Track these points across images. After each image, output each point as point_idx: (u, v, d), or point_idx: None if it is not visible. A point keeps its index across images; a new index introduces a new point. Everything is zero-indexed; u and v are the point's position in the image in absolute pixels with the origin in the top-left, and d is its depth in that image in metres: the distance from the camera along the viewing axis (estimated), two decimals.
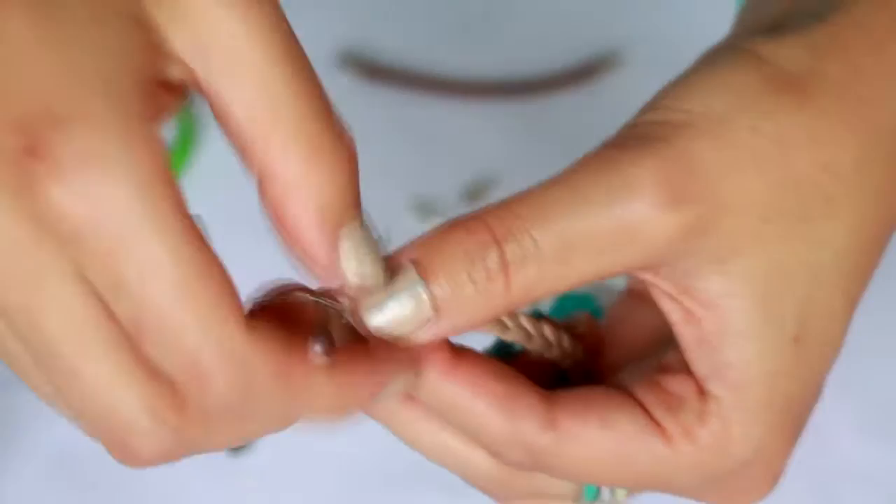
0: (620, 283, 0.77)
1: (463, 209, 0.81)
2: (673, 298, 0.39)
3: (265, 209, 0.37)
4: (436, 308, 0.37)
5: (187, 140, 0.81)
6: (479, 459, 0.42)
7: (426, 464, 0.70)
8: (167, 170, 0.34)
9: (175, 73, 0.35)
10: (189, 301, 0.34)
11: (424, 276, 0.37)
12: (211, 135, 0.82)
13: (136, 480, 0.71)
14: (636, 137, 0.38)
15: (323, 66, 0.88)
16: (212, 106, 0.36)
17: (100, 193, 0.33)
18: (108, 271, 0.33)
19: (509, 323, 0.41)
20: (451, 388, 0.39)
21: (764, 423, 0.39)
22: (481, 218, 0.38)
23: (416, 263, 0.38)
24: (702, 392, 0.39)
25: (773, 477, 0.41)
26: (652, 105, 0.39)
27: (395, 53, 0.87)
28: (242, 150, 0.36)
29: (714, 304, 0.38)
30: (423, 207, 0.81)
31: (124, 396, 0.34)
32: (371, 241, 0.38)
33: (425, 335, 0.38)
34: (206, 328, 0.34)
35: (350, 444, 0.71)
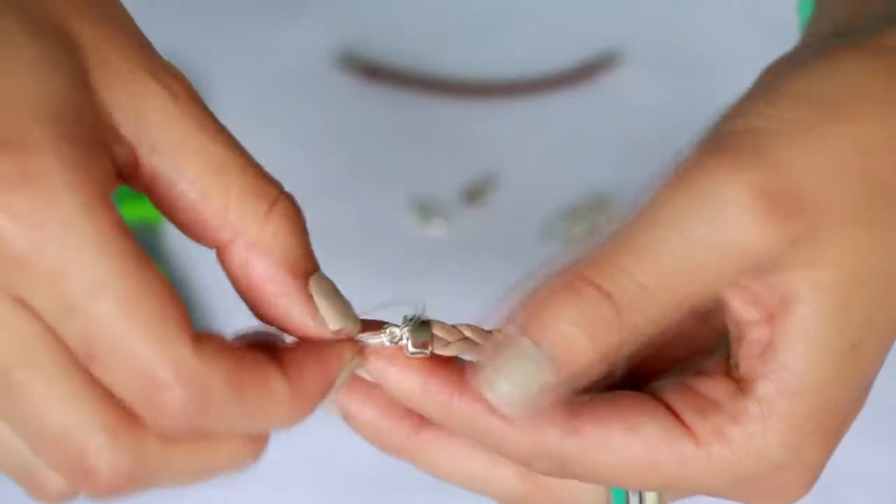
0: None
1: (463, 209, 0.81)
2: (755, 299, 0.39)
3: (231, 277, 0.38)
4: (565, 367, 0.38)
5: None
6: (500, 480, 0.42)
7: None
8: (107, 194, 0.34)
9: (118, 154, 0.36)
10: (138, 319, 0.34)
11: (541, 339, 0.38)
12: None
13: None
14: (724, 150, 0.38)
15: (323, 66, 0.88)
16: (154, 190, 0.37)
17: (38, 214, 0.33)
18: (52, 294, 0.34)
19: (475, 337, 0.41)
20: (467, 406, 0.39)
21: (806, 430, 0.39)
22: (583, 275, 0.38)
23: (527, 332, 0.38)
24: (738, 394, 0.39)
25: (809, 480, 0.41)
26: (736, 112, 0.39)
27: (395, 53, 0.87)
28: (196, 225, 0.37)
29: (793, 308, 0.38)
30: (423, 207, 0.81)
31: (78, 415, 0.35)
32: (334, 285, 0.39)
33: (554, 395, 0.38)
34: (156, 344, 0.34)
35: (349, 444, 0.71)
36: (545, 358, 0.38)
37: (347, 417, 0.41)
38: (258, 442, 0.38)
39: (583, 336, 0.38)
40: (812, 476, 0.41)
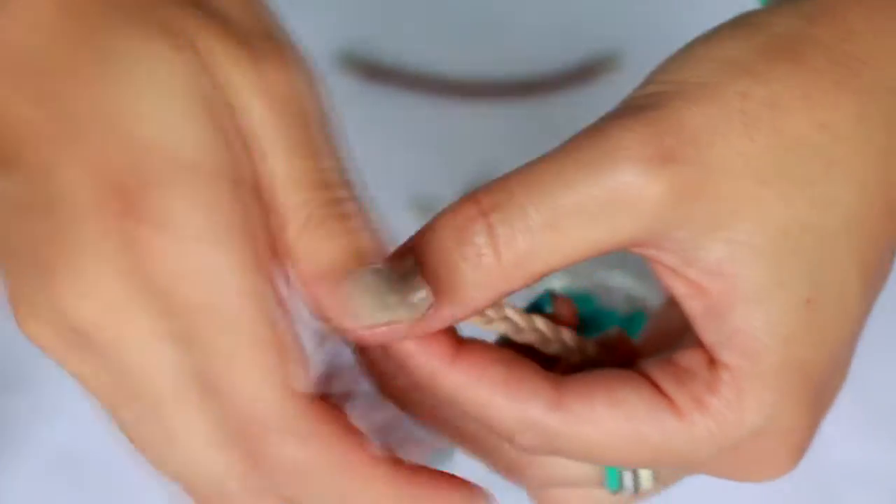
0: (626, 287, 0.77)
1: None
2: (676, 272, 0.38)
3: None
4: (435, 291, 0.38)
5: None
6: (503, 447, 0.42)
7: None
8: (255, 236, 0.35)
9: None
10: (257, 363, 0.34)
11: (420, 261, 0.38)
12: None
13: (136, 480, 0.70)
14: (625, 108, 0.39)
15: (323, 67, 0.88)
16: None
17: (190, 251, 0.34)
18: (189, 326, 0.34)
19: (520, 321, 0.41)
20: (455, 376, 0.39)
21: (777, 388, 0.38)
22: (471, 195, 0.38)
23: (413, 251, 0.38)
24: (712, 362, 0.39)
25: (793, 449, 0.40)
26: (645, 81, 0.40)
27: (395, 53, 0.87)
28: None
29: (720, 272, 0.38)
30: (423, 207, 0.81)
31: (215, 457, 0.36)
32: (385, 283, 0.38)
33: (431, 323, 0.38)
34: (271, 393, 0.35)
35: None
36: (420, 275, 0.37)
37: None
38: None
39: (457, 256, 0.37)
40: (794, 444, 0.40)
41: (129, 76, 0.34)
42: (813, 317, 0.38)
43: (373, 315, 0.37)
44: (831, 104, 0.38)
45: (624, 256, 0.49)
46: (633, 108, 0.38)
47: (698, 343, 0.40)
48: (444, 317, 0.38)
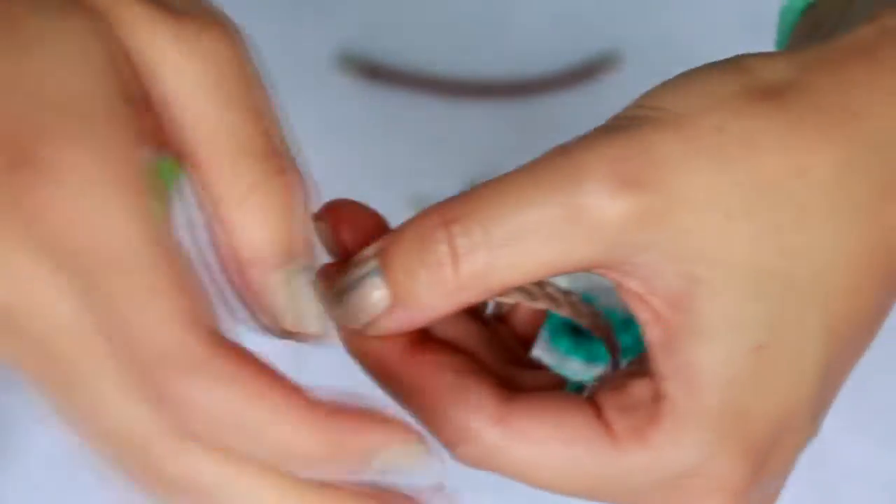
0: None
1: None
2: (641, 299, 0.38)
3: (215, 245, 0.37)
4: (393, 294, 0.38)
5: None
6: None
7: None
8: (138, 182, 0.34)
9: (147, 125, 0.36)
10: (156, 303, 0.33)
11: (383, 263, 0.38)
12: None
13: None
14: (598, 130, 0.38)
15: (323, 67, 0.89)
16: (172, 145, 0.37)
17: (78, 198, 0.33)
18: (84, 273, 0.34)
19: (536, 291, 0.41)
20: (405, 371, 0.39)
21: (714, 430, 0.38)
22: (436, 205, 0.38)
23: (379, 252, 0.38)
24: (658, 395, 0.38)
25: (729, 497, 0.39)
26: (627, 106, 0.39)
27: (395, 53, 0.87)
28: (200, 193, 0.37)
29: (678, 305, 0.37)
30: (423, 207, 0.81)
31: (133, 410, 0.34)
32: (309, 282, 0.37)
33: (389, 324, 0.38)
34: (172, 332, 0.33)
35: None
36: (382, 276, 0.38)
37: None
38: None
39: (418, 263, 0.38)
40: (730, 492, 0.39)
41: (32, 42, 0.35)
42: (762, 365, 0.37)
43: (312, 319, 0.37)
44: (810, 152, 0.37)
45: None
46: (605, 130, 0.38)
47: (650, 373, 0.39)
48: (399, 319, 0.38)
